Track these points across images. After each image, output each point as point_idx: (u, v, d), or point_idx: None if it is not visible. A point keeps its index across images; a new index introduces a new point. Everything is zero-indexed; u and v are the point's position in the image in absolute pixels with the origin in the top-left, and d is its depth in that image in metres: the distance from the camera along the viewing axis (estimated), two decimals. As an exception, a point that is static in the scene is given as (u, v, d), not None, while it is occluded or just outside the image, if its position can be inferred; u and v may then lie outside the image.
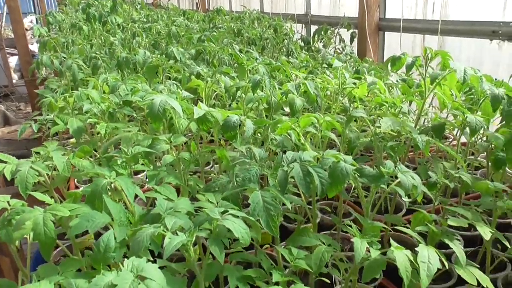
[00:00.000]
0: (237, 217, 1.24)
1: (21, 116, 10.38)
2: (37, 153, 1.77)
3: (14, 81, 11.58)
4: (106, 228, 1.27)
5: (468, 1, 3.79)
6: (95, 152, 2.12)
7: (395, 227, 1.78)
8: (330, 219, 2.37)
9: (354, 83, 2.11)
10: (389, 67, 1.92)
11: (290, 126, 1.69)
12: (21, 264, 1.58)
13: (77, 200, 1.48)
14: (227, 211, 1.27)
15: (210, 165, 2.77)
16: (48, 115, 3.04)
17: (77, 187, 2.82)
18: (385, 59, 4.78)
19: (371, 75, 3.18)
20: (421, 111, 1.88)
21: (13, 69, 11.99)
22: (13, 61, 11.98)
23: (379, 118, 2.03)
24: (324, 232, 2.06)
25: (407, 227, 1.83)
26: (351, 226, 1.39)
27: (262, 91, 2.24)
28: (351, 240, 2.21)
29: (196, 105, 1.76)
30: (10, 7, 6.06)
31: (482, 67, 3.39)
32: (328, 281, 1.64)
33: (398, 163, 1.42)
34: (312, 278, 1.70)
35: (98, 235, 2.25)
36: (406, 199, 1.42)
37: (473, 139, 1.97)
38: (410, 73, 2.08)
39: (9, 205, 1.47)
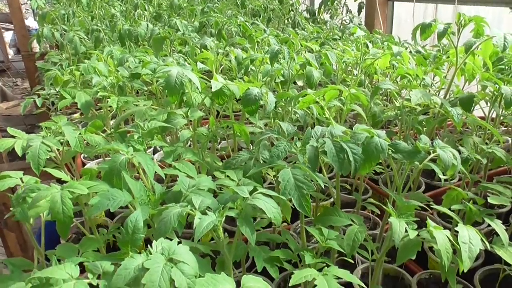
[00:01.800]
0: (269, 196, 1.16)
1: (18, 92, 10.23)
2: (47, 128, 1.68)
3: (9, 56, 11.38)
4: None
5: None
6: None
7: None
8: (346, 197, 2.30)
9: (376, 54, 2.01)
10: (418, 36, 1.81)
11: (314, 99, 1.60)
12: (35, 243, 1.50)
13: (93, 178, 1.39)
14: (256, 189, 1.19)
15: (219, 142, 2.68)
16: (51, 89, 2.93)
17: (83, 164, 2.74)
18: (394, 32, 4.66)
19: (384, 46, 3.08)
20: (451, 83, 1.78)
21: (8, 44, 11.76)
22: (8, 36, 11.75)
23: (402, 90, 1.94)
24: (344, 210, 1.99)
25: (430, 205, 1.77)
26: (378, 204, 1.32)
27: (277, 63, 2.14)
28: (370, 218, 2.17)
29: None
30: (5, -21, 5.87)
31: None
32: (351, 260, 1.58)
33: (436, 138, 1.34)
34: (334, 257, 1.64)
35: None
36: (442, 176, 1.34)
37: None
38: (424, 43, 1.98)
39: (22, 182, 1.39)
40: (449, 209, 1.49)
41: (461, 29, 1.69)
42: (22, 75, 10.36)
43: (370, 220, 2.11)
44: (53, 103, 2.97)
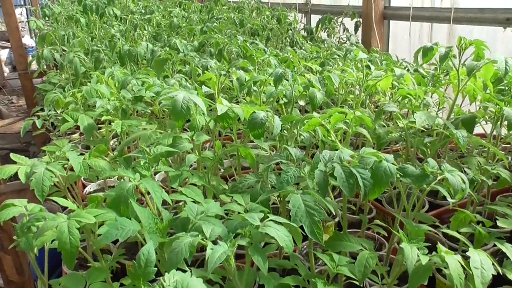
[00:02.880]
0: (279, 223, 1.15)
1: (13, 110, 10.21)
2: (50, 152, 1.67)
3: (5, 74, 11.37)
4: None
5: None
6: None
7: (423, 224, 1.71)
8: (350, 216, 2.29)
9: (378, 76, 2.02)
10: (419, 58, 1.82)
11: (319, 122, 1.60)
12: (39, 271, 1.48)
13: (99, 204, 1.38)
14: (267, 216, 1.18)
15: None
16: (50, 110, 2.92)
17: (84, 185, 2.71)
18: (390, 49, 4.69)
19: (383, 65, 3.10)
20: (453, 105, 1.79)
21: (4, 62, 11.77)
22: (4, 54, 11.76)
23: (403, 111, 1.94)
24: (349, 230, 1.98)
25: (436, 226, 1.76)
26: (386, 226, 1.31)
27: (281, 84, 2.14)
28: (375, 238, 2.16)
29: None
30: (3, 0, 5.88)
31: (494, 56, 3.32)
32: (357, 283, 1.56)
33: (443, 162, 1.34)
34: (342, 280, 1.62)
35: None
36: (450, 199, 1.33)
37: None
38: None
39: (27, 210, 1.37)
40: (457, 231, 1.49)
41: (462, 52, 1.71)
42: (17, 93, 10.34)
43: (375, 241, 2.10)
44: (52, 124, 2.96)
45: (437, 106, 2.54)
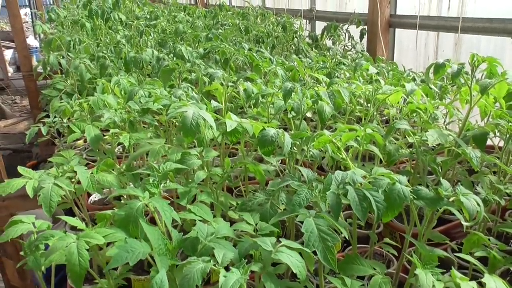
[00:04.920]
0: (292, 249, 1.13)
1: (17, 110, 10.21)
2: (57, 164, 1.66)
3: (9, 74, 11.35)
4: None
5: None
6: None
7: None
8: (357, 231, 2.27)
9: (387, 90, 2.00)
10: (431, 75, 1.80)
11: (329, 139, 1.58)
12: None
13: (107, 223, 1.36)
14: (279, 241, 1.16)
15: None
16: (55, 117, 2.91)
17: (89, 194, 2.70)
18: (395, 57, 4.67)
19: (389, 76, 3.08)
20: (465, 121, 1.77)
21: (8, 62, 11.75)
22: (8, 54, 11.74)
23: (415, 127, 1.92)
24: (358, 246, 1.96)
25: (446, 242, 1.74)
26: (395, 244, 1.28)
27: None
28: (383, 255, 2.14)
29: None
30: (8, 0, 5.87)
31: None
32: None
33: (458, 185, 1.32)
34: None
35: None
36: (465, 223, 1.31)
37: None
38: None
39: (35, 227, 1.36)
40: (470, 253, 1.47)
41: (474, 69, 1.69)
42: (21, 93, 10.31)
43: (383, 257, 2.08)
44: (58, 131, 2.95)
45: (445, 118, 2.52)
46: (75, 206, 1.73)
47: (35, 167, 4.53)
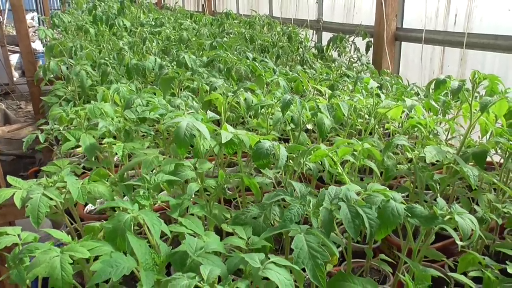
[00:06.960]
0: (280, 266, 1.10)
1: (21, 115, 10.24)
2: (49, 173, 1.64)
3: (14, 79, 11.41)
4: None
5: (493, 15, 3.63)
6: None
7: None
8: (353, 245, 2.23)
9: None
10: (431, 90, 1.77)
11: (325, 153, 1.55)
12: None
13: (96, 235, 1.33)
14: (268, 257, 1.13)
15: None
16: (54, 124, 2.89)
17: (86, 203, 2.67)
18: (400, 71, 4.64)
19: (393, 89, 3.05)
20: (465, 138, 1.74)
21: (13, 67, 11.82)
22: (14, 58, 11.82)
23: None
24: (353, 261, 1.92)
25: (442, 260, 1.70)
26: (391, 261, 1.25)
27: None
28: (380, 270, 2.10)
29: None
30: (14, 5, 5.90)
31: (506, 83, 3.23)
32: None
33: (453, 203, 1.28)
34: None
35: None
36: (460, 242, 1.28)
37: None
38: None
39: (20, 239, 1.33)
40: (465, 273, 1.43)
41: (476, 86, 1.66)
42: (26, 98, 10.36)
43: (380, 272, 2.04)
44: (56, 138, 2.93)
45: (447, 133, 2.48)
46: (66, 217, 1.70)
47: (37, 173, 4.52)
